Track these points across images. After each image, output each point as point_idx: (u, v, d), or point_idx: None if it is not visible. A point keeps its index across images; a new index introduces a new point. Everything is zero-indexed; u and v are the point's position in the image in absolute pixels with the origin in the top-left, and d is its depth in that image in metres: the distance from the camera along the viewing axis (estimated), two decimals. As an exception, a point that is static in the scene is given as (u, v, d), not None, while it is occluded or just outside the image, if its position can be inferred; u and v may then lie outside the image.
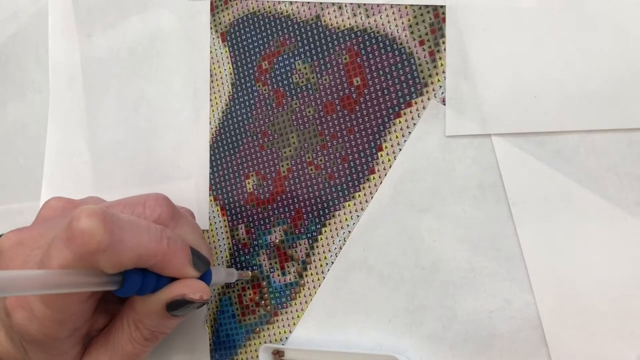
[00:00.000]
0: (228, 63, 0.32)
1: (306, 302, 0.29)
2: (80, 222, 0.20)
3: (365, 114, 0.28)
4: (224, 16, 0.32)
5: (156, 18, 0.34)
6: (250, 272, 0.31)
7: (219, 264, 0.32)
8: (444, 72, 0.26)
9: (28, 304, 0.22)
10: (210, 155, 0.32)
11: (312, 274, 0.29)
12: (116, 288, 0.22)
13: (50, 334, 0.23)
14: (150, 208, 0.25)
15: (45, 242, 0.23)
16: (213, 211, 0.32)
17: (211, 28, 0.32)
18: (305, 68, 0.29)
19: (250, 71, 0.31)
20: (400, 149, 0.27)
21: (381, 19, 0.27)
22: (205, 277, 0.26)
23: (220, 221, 0.32)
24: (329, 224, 0.29)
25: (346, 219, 0.28)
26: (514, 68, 0.24)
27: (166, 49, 0.33)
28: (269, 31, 0.30)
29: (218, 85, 0.32)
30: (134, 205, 0.25)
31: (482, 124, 0.25)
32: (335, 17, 0.28)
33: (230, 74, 0.32)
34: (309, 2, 0.29)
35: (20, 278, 0.19)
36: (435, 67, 0.26)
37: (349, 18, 0.28)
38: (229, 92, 0.32)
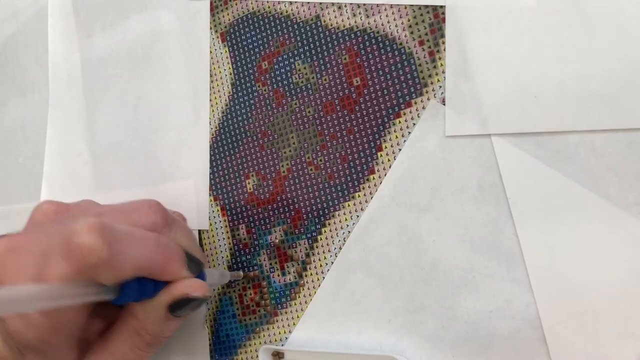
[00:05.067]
0: (228, 63, 0.32)
1: (306, 302, 0.29)
2: (80, 236, 0.21)
3: (365, 114, 0.28)
4: (223, 16, 0.32)
5: (156, 18, 0.34)
6: (242, 273, 0.31)
7: (213, 266, 0.32)
8: (443, 72, 0.26)
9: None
10: (210, 155, 0.32)
11: (312, 274, 0.29)
12: (114, 297, 0.23)
13: (46, 341, 0.23)
14: (145, 215, 0.25)
15: (39, 249, 0.23)
16: (213, 211, 0.32)
17: (211, 28, 0.32)
18: (305, 68, 0.29)
19: (250, 71, 0.31)
20: (400, 149, 0.27)
21: (381, 19, 0.27)
22: (200, 278, 0.26)
23: (220, 221, 0.32)
24: (329, 224, 0.29)
25: (346, 219, 0.28)
26: (514, 68, 0.24)
27: (166, 49, 0.33)
28: (268, 31, 0.30)
29: (218, 85, 0.32)
30: (128, 212, 0.25)
31: (482, 124, 0.25)
32: (335, 17, 0.28)
33: (230, 74, 0.32)
34: (309, 2, 0.29)
35: (20, 295, 0.19)
36: (435, 67, 0.26)
37: (348, 18, 0.28)
38: (229, 92, 0.32)
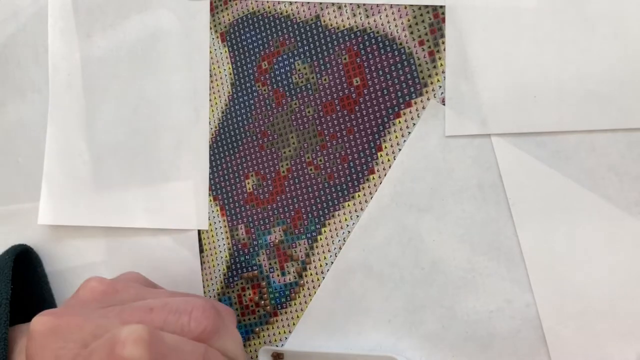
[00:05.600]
0: (228, 63, 0.32)
1: (306, 302, 0.29)
2: (125, 349, 0.20)
3: (364, 114, 0.28)
4: (223, 16, 0.32)
5: (156, 18, 0.34)
6: None
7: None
8: (443, 72, 0.26)
9: None
10: (210, 155, 0.32)
11: (311, 274, 0.29)
12: None
13: None
14: (196, 320, 0.24)
15: (81, 336, 0.22)
16: (213, 211, 0.32)
17: (211, 28, 0.32)
18: (305, 68, 0.29)
19: (250, 71, 0.31)
20: (400, 149, 0.27)
21: (381, 19, 0.27)
22: None
23: (220, 221, 0.32)
24: (329, 224, 0.29)
25: (346, 219, 0.28)
26: (514, 68, 0.24)
27: (166, 49, 0.33)
28: (268, 31, 0.30)
29: (218, 85, 0.32)
30: (179, 313, 0.24)
31: (481, 124, 0.25)
32: (335, 17, 0.28)
33: (230, 74, 0.32)
34: (308, 2, 0.29)
35: None
36: (435, 67, 0.26)
37: (348, 18, 0.28)
38: (229, 92, 0.32)
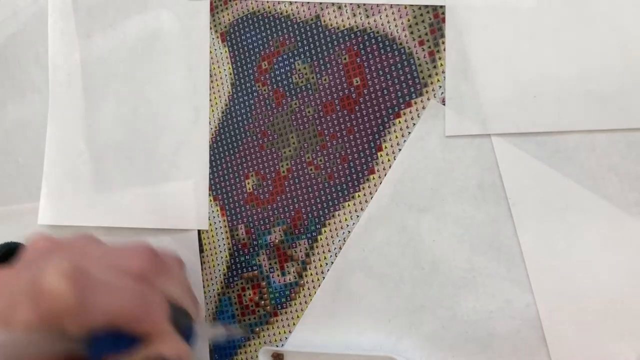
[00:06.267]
0: (228, 63, 0.32)
1: (306, 302, 0.29)
2: (47, 280, 0.19)
3: (364, 114, 0.28)
4: (223, 16, 0.32)
5: (156, 18, 0.34)
6: (241, 330, 0.30)
7: (220, 323, 0.31)
8: (443, 72, 0.26)
9: None
10: (210, 155, 0.32)
11: (311, 274, 0.29)
12: (84, 353, 0.21)
13: None
14: (131, 260, 0.24)
15: (19, 289, 0.21)
16: (213, 211, 0.32)
17: (211, 28, 0.32)
18: (305, 68, 0.29)
19: (250, 71, 0.31)
20: (400, 149, 0.27)
21: (381, 19, 0.27)
22: (188, 333, 0.24)
23: (220, 221, 0.32)
24: (329, 224, 0.29)
25: (346, 219, 0.28)
26: (513, 68, 0.24)
27: (166, 49, 0.33)
28: (268, 31, 0.30)
29: (218, 85, 0.32)
30: (116, 256, 0.24)
31: (481, 124, 0.25)
32: (335, 17, 0.28)
33: (230, 74, 0.32)
34: (308, 2, 0.29)
35: None
36: (435, 67, 0.26)
37: (348, 18, 0.28)
38: (229, 92, 0.32)
